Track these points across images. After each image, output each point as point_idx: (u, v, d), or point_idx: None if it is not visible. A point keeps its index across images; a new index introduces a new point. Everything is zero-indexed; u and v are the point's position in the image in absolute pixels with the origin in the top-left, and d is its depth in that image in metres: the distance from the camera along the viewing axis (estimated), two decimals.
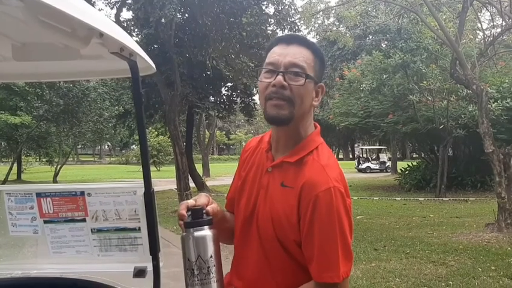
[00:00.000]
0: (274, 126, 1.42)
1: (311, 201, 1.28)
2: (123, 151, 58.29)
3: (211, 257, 1.27)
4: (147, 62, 1.66)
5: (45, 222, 1.84)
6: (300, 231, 1.31)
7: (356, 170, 33.08)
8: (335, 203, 1.27)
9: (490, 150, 7.86)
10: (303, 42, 1.41)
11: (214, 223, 1.34)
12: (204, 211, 1.33)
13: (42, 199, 1.81)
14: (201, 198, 1.38)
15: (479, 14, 12.24)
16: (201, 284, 1.25)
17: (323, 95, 1.45)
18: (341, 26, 19.87)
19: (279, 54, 1.38)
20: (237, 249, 1.50)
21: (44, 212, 1.82)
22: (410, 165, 20.64)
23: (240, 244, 1.48)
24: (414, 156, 33.73)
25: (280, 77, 1.34)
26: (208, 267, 1.26)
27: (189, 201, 1.37)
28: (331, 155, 1.41)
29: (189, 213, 1.32)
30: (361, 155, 35.58)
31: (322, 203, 1.26)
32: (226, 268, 1.46)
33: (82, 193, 1.79)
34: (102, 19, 1.29)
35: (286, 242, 1.34)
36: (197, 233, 1.28)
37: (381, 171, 32.22)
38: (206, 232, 1.28)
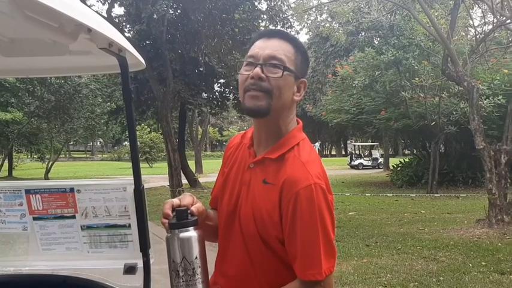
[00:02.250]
0: (252, 118, 1.41)
1: (292, 198, 1.27)
2: (116, 148, 58.12)
3: (196, 258, 1.26)
4: (136, 58, 1.65)
5: (34, 219, 1.83)
6: (283, 228, 1.30)
7: (348, 167, 33.17)
8: (316, 200, 1.25)
9: (481, 147, 7.92)
10: (284, 36, 1.41)
11: (199, 223, 1.33)
12: (189, 211, 1.32)
13: (31, 196, 1.80)
14: (186, 198, 1.37)
15: (471, 11, 12.29)
16: (187, 286, 1.24)
17: (305, 91, 1.44)
18: (334, 22, 19.87)
19: (259, 47, 1.38)
20: (221, 247, 1.49)
21: (33, 208, 1.81)
22: (402, 161, 20.75)
23: (224, 242, 1.47)
24: (406, 152, 33.87)
25: (258, 69, 1.34)
26: (193, 268, 1.25)
27: (173, 200, 1.36)
28: (313, 151, 1.40)
29: (174, 213, 1.31)
30: (353, 152, 35.67)
31: (303, 200, 1.25)
32: (212, 267, 1.46)
33: (71, 190, 1.78)
34: (90, 14, 1.27)
35: (268, 240, 1.33)
36: (182, 234, 1.27)
37: (373, 167, 32.32)
38: (191, 233, 1.27)
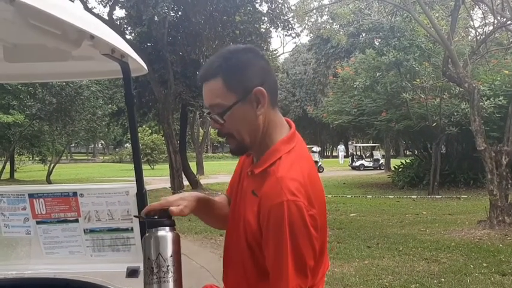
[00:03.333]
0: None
1: (265, 214, 1.26)
2: (117, 149, 58.08)
3: (171, 256, 1.29)
4: (138, 63, 1.67)
5: (37, 223, 1.84)
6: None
7: (350, 168, 33.15)
8: (287, 217, 1.22)
9: (482, 148, 7.92)
10: (207, 76, 1.35)
11: (197, 212, 1.43)
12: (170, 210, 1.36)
13: (34, 200, 1.82)
14: (171, 197, 1.41)
15: (471, 12, 12.32)
16: (159, 282, 1.27)
17: (265, 97, 1.33)
18: (334, 24, 19.89)
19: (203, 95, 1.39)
20: (223, 253, 1.51)
21: (36, 212, 1.83)
22: (404, 162, 20.70)
23: (225, 248, 1.49)
24: (407, 153, 33.82)
25: (212, 122, 1.38)
26: (168, 265, 1.28)
27: (161, 201, 1.39)
28: (295, 165, 1.32)
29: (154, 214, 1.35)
30: (354, 153, 35.66)
31: (273, 217, 1.24)
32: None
33: (74, 194, 1.80)
34: (93, 21, 1.29)
35: (255, 250, 1.33)
36: (159, 233, 1.31)
37: (375, 168, 32.26)
38: (167, 233, 1.31)
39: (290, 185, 1.25)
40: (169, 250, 1.29)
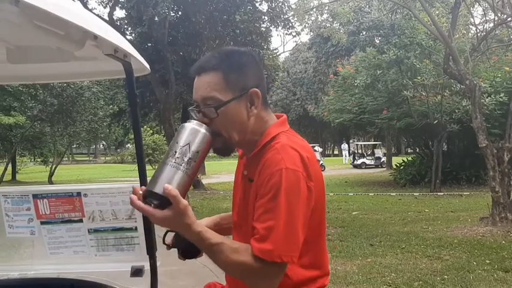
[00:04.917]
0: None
1: (264, 181, 1.24)
2: (118, 150, 58.09)
3: (197, 152, 1.25)
4: (141, 63, 1.67)
5: (42, 223, 1.85)
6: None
7: (351, 166, 33.14)
8: (285, 184, 1.21)
9: (484, 145, 7.90)
10: (205, 68, 1.35)
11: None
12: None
13: (38, 200, 1.83)
14: None
15: (471, 9, 12.30)
16: (173, 166, 1.22)
17: (259, 99, 1.36)
18: (335, 22, 19.86)
19: (194, 89, 1.37)
20: None
21: (40, 213, 1.84)
22: (405, 160, 20.69)
23: None
24: (409, 151, 33.81)
25: (200, 115, 1.34)
26: (190, 158, 1.24)
27: None
28: (294, 140, 1.34)
29: None
30: (356, 151, 35.63)
31: (271, 183, 1.23)
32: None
33: (78, 194, 1.80)
34: (96, 22, 1.30)
35: None
36: (197, 126, 1.28)
37: (376, 166, 32.22)
38: (205, 130, 1.28)
39: (291, 154, 1.27)
40: (200, 145, 1.26)
